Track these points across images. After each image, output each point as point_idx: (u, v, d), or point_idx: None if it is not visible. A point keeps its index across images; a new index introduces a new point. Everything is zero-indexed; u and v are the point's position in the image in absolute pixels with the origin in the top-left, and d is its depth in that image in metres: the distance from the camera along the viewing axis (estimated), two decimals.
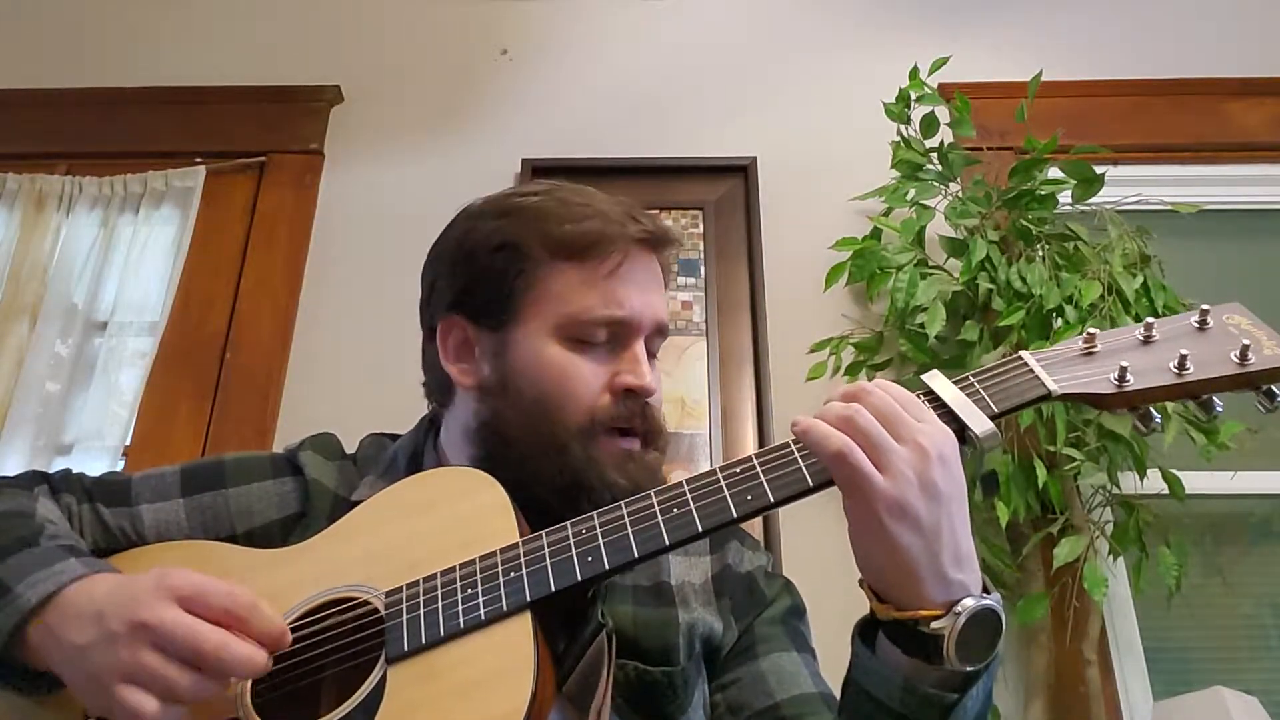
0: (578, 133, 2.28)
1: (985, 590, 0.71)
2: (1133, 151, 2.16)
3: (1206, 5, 2.40)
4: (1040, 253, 1.87)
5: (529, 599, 0.74)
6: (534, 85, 2.38)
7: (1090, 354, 0.79)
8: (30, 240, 2.15)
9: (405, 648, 0.74)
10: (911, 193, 1.97)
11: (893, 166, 2.02)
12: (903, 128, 2.03)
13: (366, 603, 0.79)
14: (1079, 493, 1.75)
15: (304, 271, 2.16)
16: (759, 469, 0.76)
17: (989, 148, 2.08)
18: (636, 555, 0.75)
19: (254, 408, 2.01)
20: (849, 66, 2.35)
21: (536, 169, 2.19)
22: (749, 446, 1.94)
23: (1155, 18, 2.40)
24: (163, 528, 0.92)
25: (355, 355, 2.06)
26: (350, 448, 1.02)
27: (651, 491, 0.79)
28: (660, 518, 0.76)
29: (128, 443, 2.00)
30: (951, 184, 2.00)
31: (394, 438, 1.02)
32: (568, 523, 0.79)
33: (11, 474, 0.96)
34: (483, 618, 0.74)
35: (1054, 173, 1.94)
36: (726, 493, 0.76)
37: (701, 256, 2.14)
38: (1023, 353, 0.79)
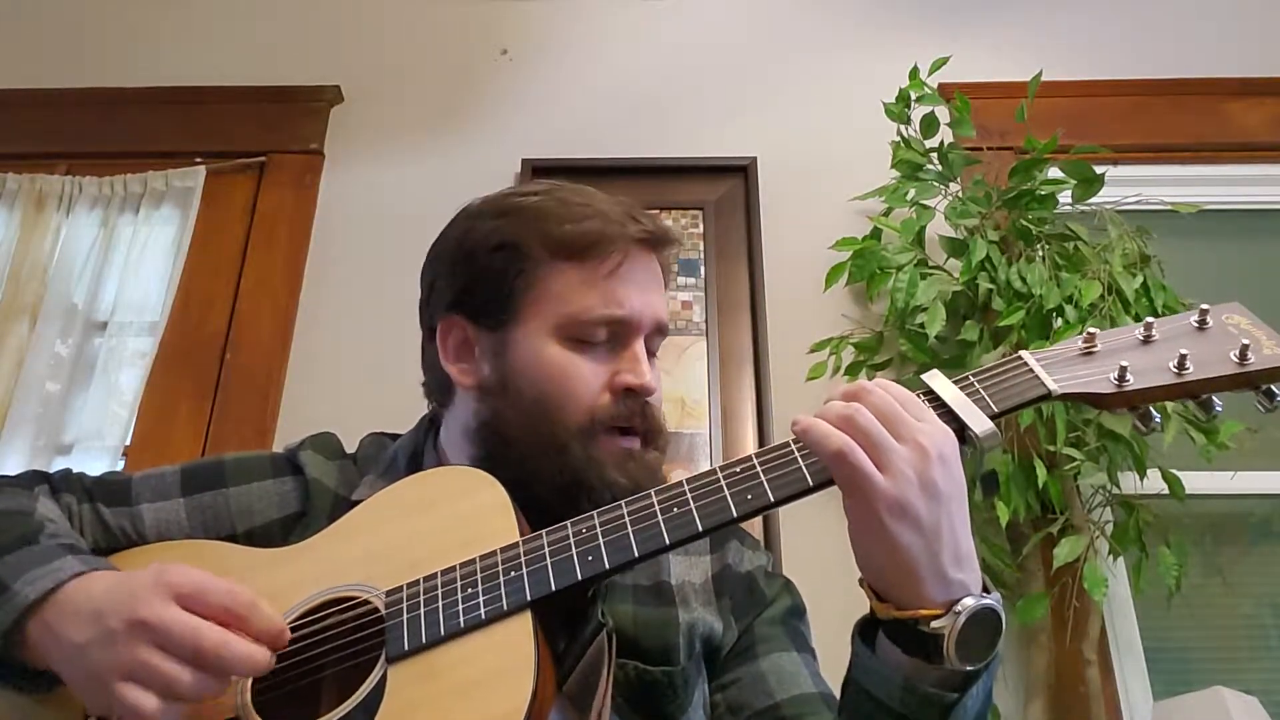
0: (578, 133, 2.28)
1: (985, 590, 0.71)
2: (1133, 151, 2.17)
3: (1206, 5, 2.40)
4: (1040, 253, 1.87)
5: (529, 598, 0.74)
6: (534, 85, 2.38)
7: (1090, 354, 0.79)
8: (30, 240, 2.15)
9: (405, 647, 0.74)
10: (911, 193, 1.97)
11: (893, 166, 2.02)
12: (903, 128, 2.03)
13: (367, 602, 0.79)
14: (1079, 493, 1.75)
15: (304, 271, 2.17)
16: (759, 468, 0.76)
17: (989, 148, 2.08)
18: (637, 555, 0.75)
19: (254, 408, 2.01)
20: (849, 66, 2.35)
21: (536, 169, 2.19)
22: (749, 446, 1.94)
23: (1155, 18, 2.40)
24: (163, 527, 0.92)
25: (355, 355, 2.06)
26: (350, 447, 1.02)
27: (652, 491, 0.79)
28: (660, 517, 0.76)
29: (128, 443, 2.00)
30: (951, 184, 2.00)
31: (394, 437, 1.02)
32: (568, 522, 0.79)
33: (12, 474, 0.96)
34: (483, 617, 0.74)
35: (1054, 173, 1.94)
36: (726, 492, 0.76)
37: (701, 256, 2.14)
38: (1023, 352, 0.79)
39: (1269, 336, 0.77)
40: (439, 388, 0.97)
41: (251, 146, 2.28)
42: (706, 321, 2.07)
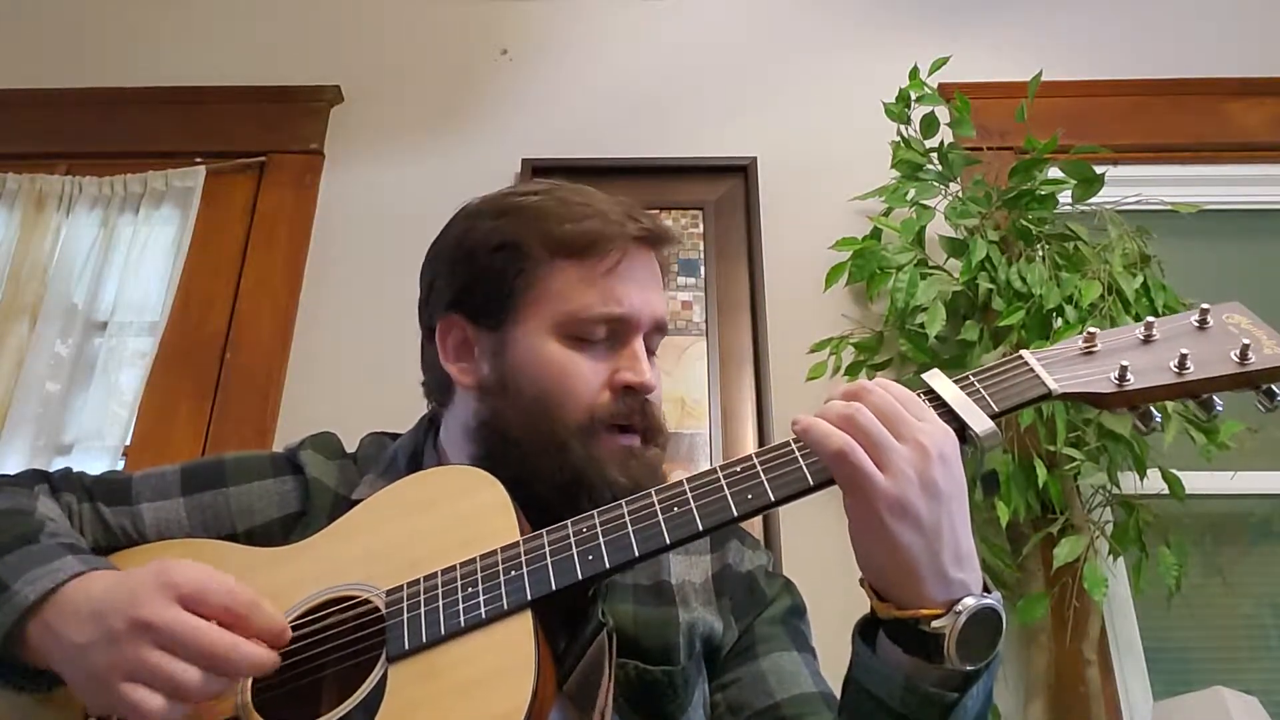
0: (578, 133, 2.28)
1: (986, 589, 0.71)
2: (1133, 151, 2.17)
3: (1206, 5, 2.40)
4: (1040, 253, 1.87)
5: (530, 598, 0.74)
6: (534, 85, 2.38)
7: (1090, 353, 0.79)
8: (30, 240, 2.15)
9: (406, 646, 0.74)
10: (911, 193, 1.97)
11: (893, 166, 2.02)
12: (903, 128, 2.03)
13: (367, 601, 0.79)
14: (1079, 493, 1.75)
15: (304, 271, 2.17)
16: (759, 468, 0.76)
17: (989, 148, 2.08)
18: (637, 554, 0.75)
19: (254, 408, 2.01)
20: (849, 66, 2.35)
21: (536, 169, 2.19)
22: (749, 446, 1.94)
23: (1155, 18, 2.40)
24: (163, 526, 0.92)
25: (355, 355, 2.06)
26: (350, 447, 1.02)
27: (652, 490, 0.79)
28: (661, 516, 0.76)
29: (128, 443, 2.00)
30: (951, 184, 2.00)
31: (394, 437, 1.02)
32: (568, 521, 0.79)
33: (11, 473, 0.96)
34: (483, 616, 0.74)
35: (1054, 173, 1.94)
36: (727, 492, 0.76)
37: (701, 256, 2.14)
38: (1023, 352, 0.79)
39: (1269, 336, 0.77)
40: (439, 387, 0.97)
41: (251, 146, 2.28)
42: (706, 321, 2.07)
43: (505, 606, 0.74)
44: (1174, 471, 1.71)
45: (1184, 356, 0.76)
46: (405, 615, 0.76)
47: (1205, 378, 0.76)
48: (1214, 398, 0.77)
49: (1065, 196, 1.92)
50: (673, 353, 2.02)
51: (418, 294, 1.00)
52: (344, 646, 0.78)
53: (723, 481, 0.76)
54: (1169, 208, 1.97)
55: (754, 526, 1.79)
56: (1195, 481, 1.77)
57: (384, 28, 2.47)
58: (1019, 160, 1.93)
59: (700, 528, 0.75)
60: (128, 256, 2.16)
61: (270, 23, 2.48)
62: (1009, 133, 2.06)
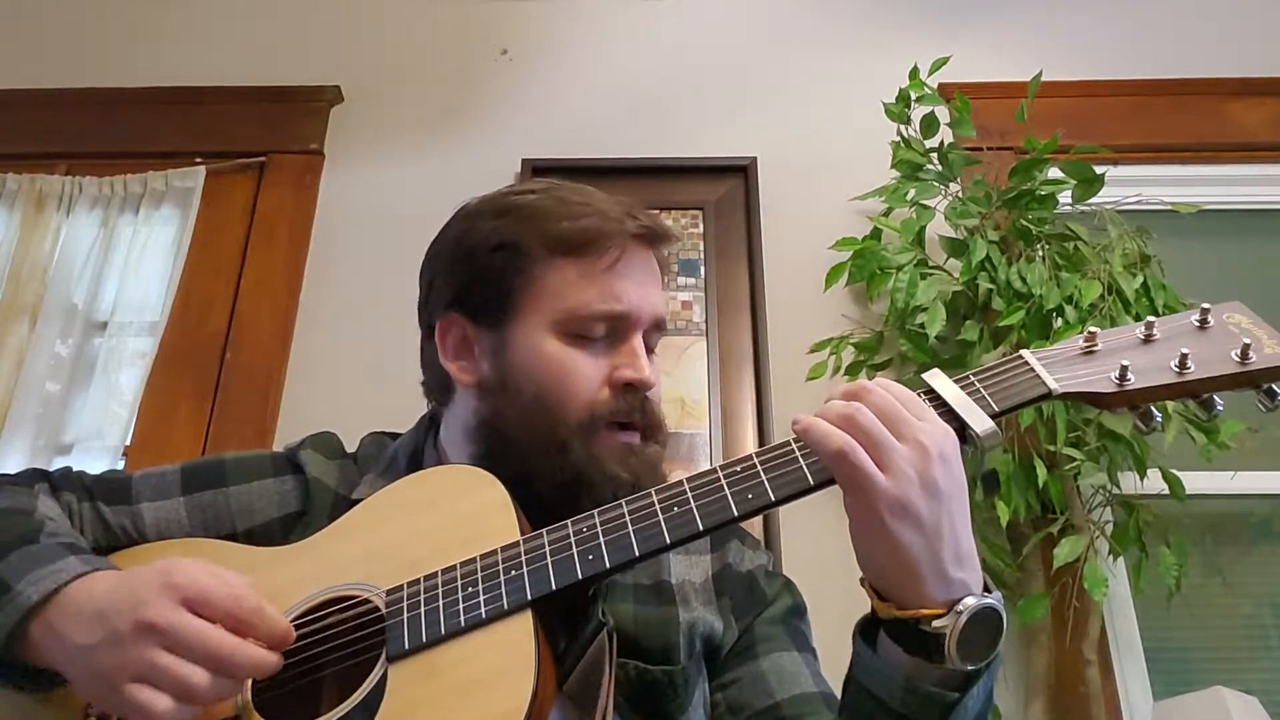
0: (578, 133, 2.28)
1: (986, 589, 0.71)
2: (1133, 151, 2.17)
3: (1206, 5, 2.40)
4: (1040, 253, 1.87)
5: (530, 597, 0.74)
6: (534, 85, 2.38)
7: (1091, 353, 0.79)
8: (30, 240, 2.15)
9: (406, 646, 0.74)
10: (911, 193, 1.97)
11: (893, 166, 2.02)
12: (903, 128, 2.03)
13: (367, 601, 0.79)
14: (1079, 493, 1.75)
15: (304, 271, 2.17)
16: (760, 467, 0.76)
17: (989, 148, 2.08)
18: (637, 554, 0.75)
19: (254, 408, 2.01)
20: (849, 66, 2.35)
21: (536, 169, 2.19)
22: (749, 446, 1.94)
23: (1155, 18, 2.40)
24: (163, 526, 0.92)
25: (355, 355, 2.06)
26: (350, 447, 1.02)
27: (652, 490, 0.79)
28: (661, 516, 0.76)
29: (128, 443, 2.00)
30: (951, 184, 2.00)
31: (394, 437, 1.02)
32: (568, 521, 0.79)
33: (11, 472, 0.96)
34: (484, 616, 0.74)
35: (1054, 173, 1.94)
36: (727, 491, 0.76)
37: (701, 256, 2.14)
38: (1023, 351, 0.79)
39: (1270, 335, 0.77)
40: (438, 386, 0.97)
41: (251, 146, 2.28)
42: (706, 321, 2.07)
43: (505, 606, 0.74)
44: (1174, 471, 1.71)
45: (1184, 356, 0.76)
46: (405, 615, 0.76)
47: (1206, 377, 0.76)
48: (1214, 397, 0.77)
49: (1065, 196, 1.92)
50: (673, 353, 2.02)
51: (417, 294, 1.00)
52: (344, 646, 0.78)
53: (723, 481, 0.76)
54: (1169, 208, 1.97)
55: (754, 526, 1.79)
56: (1195, 481, 1.77)
57: (384, 28, 2.47)
58: (1019, 160, 1.93)
59: (700, 527, 0.75)
60: (128, 256, 2.16)
61: (270, 23, 2.48)
62: (1009, 133, 2.06)
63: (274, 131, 2.30)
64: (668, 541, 0.75)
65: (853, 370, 1.92)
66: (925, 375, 0.78)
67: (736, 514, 0.75)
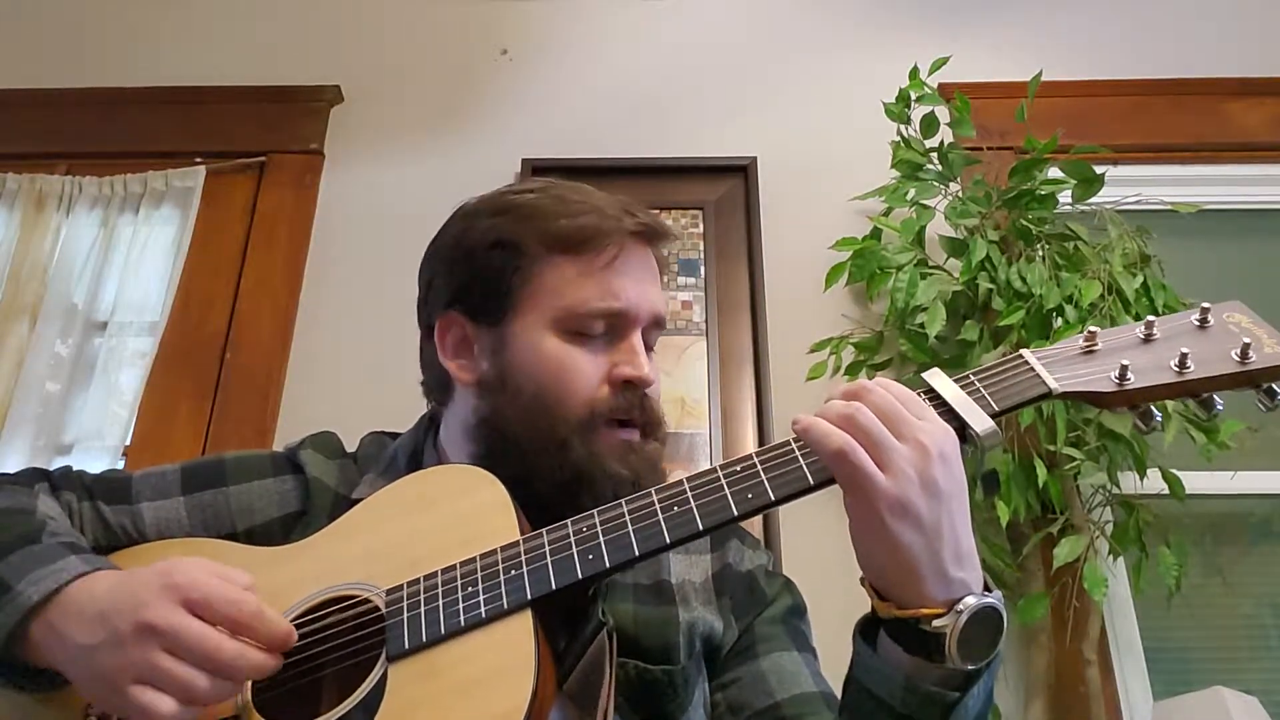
0: (578, 133, 2.28)
1: (986, 588, 0.71)
2: (1133, 151, 2.17)
3: (1206, 5, 2.40)
4: (1040, 253, 1.87)
5: (530, 597, 0.74)
6: (534, 85, 2.38)
7: (1091, 352, 0.79)
8: (30, 240, 2.15)
9: (406, 645, 0.74)
10: (911, 193, 1.97)
11: (893, 166, 2.02)
12: (903, 128, 2.03)
13: (367, 600, 0.79)
14: (1079, 492, 1.75)
15: (304, 271, 2.17)
16: (759, 467, 0.76)
17: (989, 148, 2.08)
18: (637, 553, 0.75)
19: (254, 408, 2.01)
20: (849, 66, 2.35)
21: (536, 169, 2.19)
22: (749, 446, 1.94)
23: (1155, 18, 2.40)
24: (163, 525, 0.92)
25: (355, 355, 2.06)
26: (350, 447, 1.02)
27: (652, 490, 0.79)
28: (661, 516, 0.76)
29: (128, 443, 2.00)
30: (951, 184, 2.00)
31: (394, 436, 1.02)
32: (568, 521, 0.79)
33: (11, 472, 0.96)
34: (483, 616, 0.74)
35: (1054, 173, 1.94)
36: (727, 491, 0.76)
37: (701, 256, 2.14)
38: (1023, 351, 0.79)
39: (1270, 335, 0.77)
40: (438, 386, 0.97)
41: (251, 146, 2.28)
42: (706, 321, 2.07)
43: (505, 606, 0.74)
44: (1174, 471, 1.71)
45: (1184, 355, 0.76)
46: (405, 614, 0.76)
47: (1205, 376, 0.76)
48: (1214, 397, 0.77)
49: (1065, 196, 1.92)
50: (673, 353, 2.02)
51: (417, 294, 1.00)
52: (344, 646, 0.78)
53: (723, 481, 0.76)
54: (1169, 208, 1.97)
55: (754, 526, 1.79)
56: (1195, 481, 1.77)
57: (384, 28, 2.47)
58: (1019, 160, 1.93)
59: (700, 527, 0.75)
60: (128, 256, 2.16)
61: (270, 23, 2.48)
62: (1009, 133, 2.07)
63: (274, 131, 2.31)
64: (667, 541, 0.75)
65: (853, 370, 1.92)
66: (925, 375, 0.78)
67: (736, 514, 0.75)
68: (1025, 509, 1.68)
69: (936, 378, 0.77)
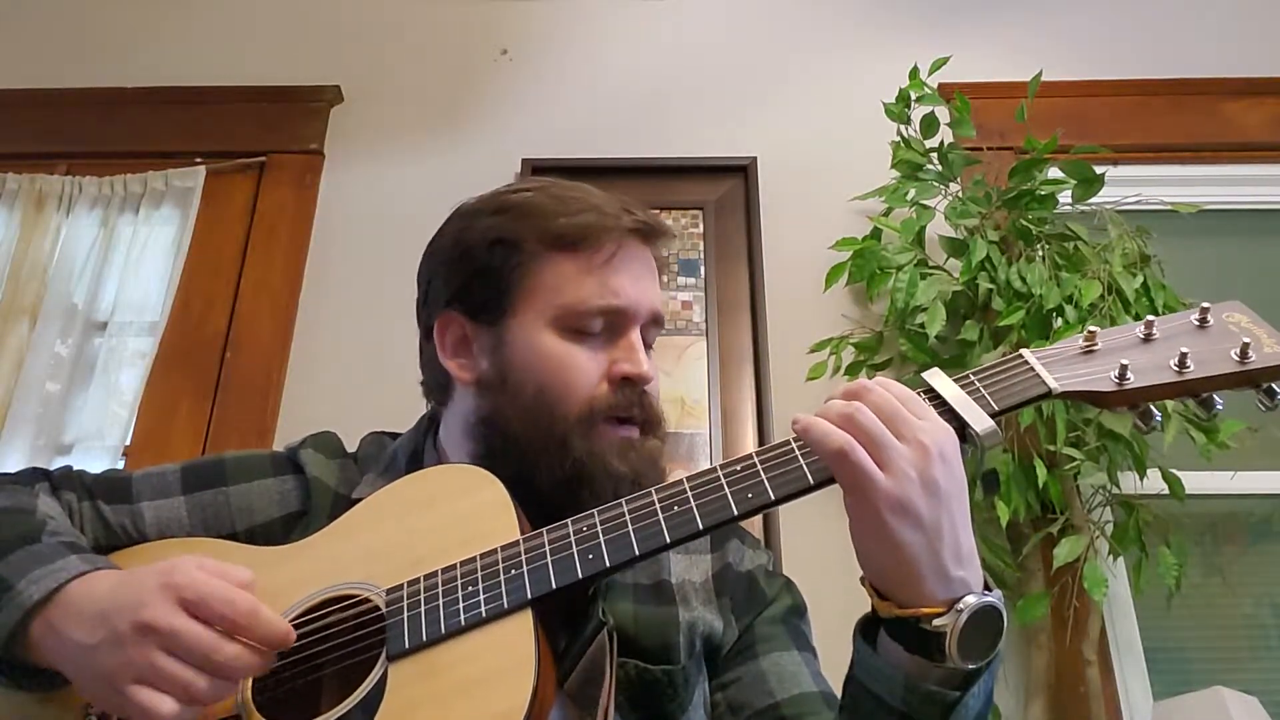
0: (578, 133, 2.29)
1: (986, 587, 0.71)
2: (1133, 151, 2.17)
3: (1206, 5, 2.40)
4: (1040, 253, 1.87)
5: (530, 597, 0.74)
6: (534, 85, 2.38)
7: (1091, 352, 0.79)
8: (30, 240, 2.15)
9: (406, 645, 0.74)
10: (911, 193, 1.97)
11: (893, 166, 2.02)
12: (903, 128, 2.03)
13: (367, 600, 0.79)
14: (1079, 492, 1.75)
15: (304, 271, 2.17)
16: (760, 467, 0.76)
17: (989, 148, 2.08)
18: (637, 553, 0.75)
19: (254, 408, 2.01)
20: (849, 66, 2.35)
21: (536, 169, 2.19)
22: (749, 446, 1.94)
23: (1155, 18, 2.40)
24: (164, 525, 0.92)
25: (355, 355, 2.06)
26: (350, 447, 1.02)
27: (652, 489, 0.79)
28: (661, 515, 0.76)
29: (128, 443, 2.00)
30: (951, 184, 2.00)
31: (394, 436, 1.02)
32: (568, 520, 0.79)
33: (11, 471, 0.96)
34: (484, 615, 0.74)
35: (1054, 173, 1.94)
36: (727, 490, 0.76)
37: (701, 256, 2.14)
38: (1023, 351, 0.79)
39: (1270, 335, 0.77)
40: (438, 385, 0.97)
41: (251, 146, 2.29)
42: (706, 321, 2.07)
43: (505, 605, 0.74)
44: (1174, 471, 1.71)
45: (1184, 355, 0.76)
46: (405, 614, 0.76)
47: (1205, 376, 0.76)
48: (1214, 396, 0.77)
49: (1065, 196, 1.92)
50: (673, 353, 2.02)
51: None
52: (344, 645, 0.78)
53: (723, 480, 0.76)
54: (1169, 208, 1.97)
55: (754, 526, 1.79)
56: (1195, 481, 1.77)
57: (384, 28, 2.47)
58: (1019, 160, 1.93)
59: (700, 526, 0.75)
60: (128, 256, 2.16)
61: (270, 23, 2.48)
62: (1009, 133, 2.07)
63: (274, 131, 2.31)
64: (667, 540, 0.75)
65: (853, 370, 1.92)
66: (925, 375, 0.78)
67: (736, 513, 0.75)
68: (1025, 509, 1.68)
69: (936, 377, 0.77)
